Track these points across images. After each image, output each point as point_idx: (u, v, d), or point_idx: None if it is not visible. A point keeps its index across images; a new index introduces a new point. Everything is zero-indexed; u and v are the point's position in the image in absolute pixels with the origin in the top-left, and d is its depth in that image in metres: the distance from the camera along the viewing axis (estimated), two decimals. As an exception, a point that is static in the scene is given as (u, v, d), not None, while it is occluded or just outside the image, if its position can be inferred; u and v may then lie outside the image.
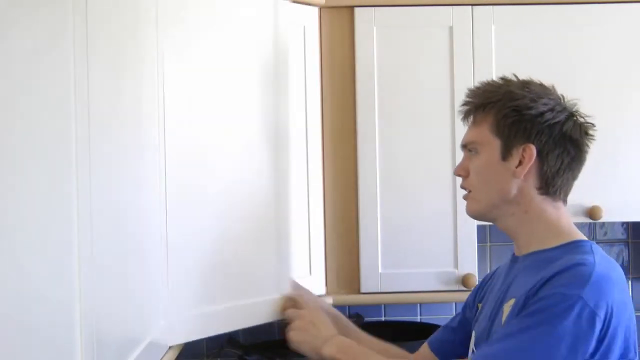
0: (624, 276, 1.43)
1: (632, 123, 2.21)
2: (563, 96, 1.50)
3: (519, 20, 2.21)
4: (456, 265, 2.18)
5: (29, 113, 0.74)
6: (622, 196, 2.20)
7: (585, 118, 1.51)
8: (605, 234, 2.55)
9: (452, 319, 1.72)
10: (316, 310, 1.70)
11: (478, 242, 2.21)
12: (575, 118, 1.49)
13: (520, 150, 1.45)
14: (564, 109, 1.48)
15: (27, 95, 0.73)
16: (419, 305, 2.49)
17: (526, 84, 1.49)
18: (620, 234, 2.56)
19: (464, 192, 1.54)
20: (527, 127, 1.45)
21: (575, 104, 1.51)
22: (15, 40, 0.71)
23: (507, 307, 1.41)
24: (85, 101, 0.88)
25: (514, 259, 1.52)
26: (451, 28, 2.20)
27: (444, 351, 1.68)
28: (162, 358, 1.35)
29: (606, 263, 1.40)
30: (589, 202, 2.18)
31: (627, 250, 2.55)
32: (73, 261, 0.84)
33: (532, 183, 1.46)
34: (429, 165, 2.18)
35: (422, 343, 2.18)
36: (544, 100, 1.47)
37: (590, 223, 2.50)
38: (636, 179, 2.21)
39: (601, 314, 1.30)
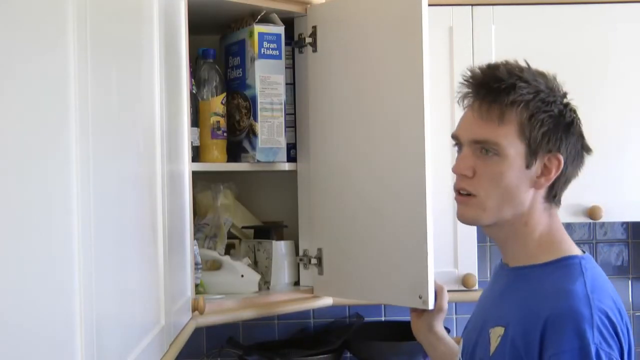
0: (611, 284, 1.37)
1: (632, 123, 2.21)
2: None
3: (519, 20, 2.21)
4: (456, 265, 2.18)
5: (29, 113, 0.74)
6: (622, 196, 2.20)
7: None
8: (605, 234, 2.55)
9: None
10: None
11: (478, 242, 2.21)
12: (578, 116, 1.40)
13: (545, 159, 1.34)
14: (577, 114, 1.40)
15: (27, 94, 0.74)
16: (419, 305, 2.48)
17: (548, 81, 1.37)
18: (620, 234, 2.56)
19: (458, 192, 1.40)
20: (561, 136, 1.35)
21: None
22: (15, 40, 0.71)
23: (495, 336, 1.34)
24: (86, 100, 0.88)
25: (502, 266, 1.46)
26: (451, 28, 2.20)
27: None
28: (162, 358, 1.35)
29: (597, 282, 1.32)
30: (589, 202, 2.18)
31: (627, 250, 2.56)
32: (73, 260, 0.84)
33: (542, 192, 1.37)
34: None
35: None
36: (571, 106, 1.38)
37: (590, 223, 2.50)
38: (636, 179, 2.21)
39: (614, 347, 1.25)
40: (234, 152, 2.07)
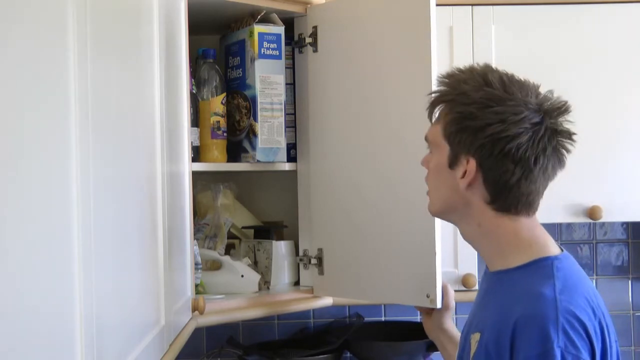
0: (587, 283, 1.35)
1: (632, 123, 2.21)
2: (546, 97, 1.35)
3: (519, 20, 2.21)
4: (456, 265, 2.18)
5: (29, 113, 0.74)
6: (622, 196, 2.20)
7: (563, 125, 1.36)
8: (605, 234, 2.55)
9: None
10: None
11: (478, 242, 2.21)
12: (539, 128, 1.33)
13: (465, 161, 1.35)
14: (522, 119, 1.32)
15: (27, 94, 0.74)
16: (418, 305, 2.48)
17: (487, 84, 1.35)
18: (620, 234, 2.56)
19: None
20: (468, 139, 1.34)
21: (555, 105, 1.35)
22: (15, 40, 0.71)
23: (474, 341, 1.35)
24: (86, 100, 0.88)
25: (486, 270, 1.46)
26: (451, 28, 2.19)
27: None
28: (162, 358, 1.35)
29: (569, 282, 1.31)
30: (589, 202, 2.18)
31: (627, 250, 2.55)
32: (73, 261, 0.84)
33: (480, 196, 1.36)
34: (429, 165, 2.17)
35: (422, 343, 2.19)
36: (497, 109, 1.32)
37: (590, 223, 2.50)
38: (636, 179, 2.21)
39: (582, 348, 1.24)
40: (234, 152, 2.07)
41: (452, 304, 1.76)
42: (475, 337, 1.35)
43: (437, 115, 1.43)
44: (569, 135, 1.37)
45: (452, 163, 1.37)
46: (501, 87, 1.34)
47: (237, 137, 2.07)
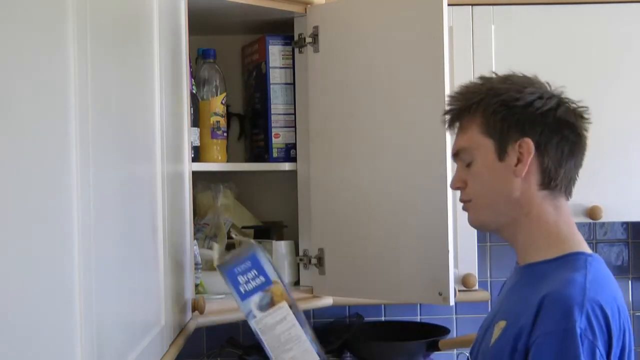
0: (616, 285, 1.36)
1: (632, 123, 2.21)
2: (549, 83, 1.42)
3: (519, 20, 2.21)
4: (456, 265, 2.18)
5: (29, 113, 0.74)
6: (622, 196, 2.20)
7: (577, 102, 1.42)
8: (605, 234, 2.55)
9: None
10: None
11: (478, 242, 2.21)
12: (566, 103, 1.40)
13: (516, 146, 1.36)
14: (552, 95, 1.39)
15: (27, 95, 0.74)
16: (419, 305, 2.49)
17: (507, 78, 1.42)
18: (620, 234, 2.56)
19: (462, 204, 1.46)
20: (519, 119, 1.36)
21: (562, 92, 1.42)
22: (15, 40, 0.71)
23: (498, 329, 1.35)
24: (86, 100, 0.88)
25: (516, 267, 1.46)
26: (451, 28, 2.19)
27: None
28: (162, 358, 1.35)
29: (599, 277, 1.32)
30: (589, 202, 2.18)
31: (627, 250, 2.56)
32: (73, 261, 0.84)
33: (533, 180, 1.37)
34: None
35: (422, 343, 2.19)
36: (530, 90, 1.38)
37: (590, 223, 2.50)
38: (636, 179, 2.21)
39: (600, 338, 1.24)
40: None
41: None
42: (501, 325, 1.35)
43: (459, 125, 1.43)
44: (587, 118, 1.44)
45: (502, 154, 1.37)
46: (521, 76, 1.42)
47: None
